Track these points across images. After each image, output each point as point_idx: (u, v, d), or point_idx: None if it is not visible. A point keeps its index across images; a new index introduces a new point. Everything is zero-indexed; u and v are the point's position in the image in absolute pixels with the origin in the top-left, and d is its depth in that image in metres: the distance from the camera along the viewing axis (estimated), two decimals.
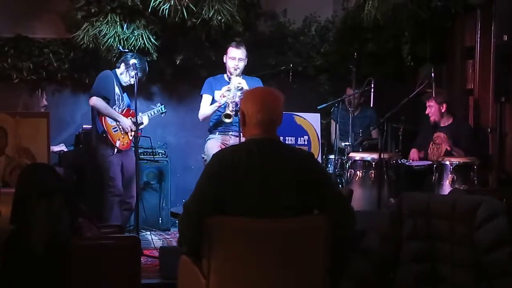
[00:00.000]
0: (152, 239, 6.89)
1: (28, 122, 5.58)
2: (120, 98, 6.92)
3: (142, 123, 6.96)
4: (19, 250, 3.94)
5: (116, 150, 6.78)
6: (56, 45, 7.84)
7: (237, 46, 6.76)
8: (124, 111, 6.93)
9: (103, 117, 6.76)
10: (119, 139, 6.80)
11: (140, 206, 6.78)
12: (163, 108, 7.29)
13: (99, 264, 4.17)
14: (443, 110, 7.14)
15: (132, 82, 6.71)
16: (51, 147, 6.49)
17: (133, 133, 6.79)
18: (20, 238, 3.95)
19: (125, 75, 6.87)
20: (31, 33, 7.84)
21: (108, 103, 6.78)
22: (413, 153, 7.31)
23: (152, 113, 7.17)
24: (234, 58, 6.70)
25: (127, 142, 6.87)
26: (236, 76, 6.65)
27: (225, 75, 6.83)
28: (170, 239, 7.17)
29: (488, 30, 7.11)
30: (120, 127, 6.82)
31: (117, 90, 6.88)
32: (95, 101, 6.75)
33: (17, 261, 3.94)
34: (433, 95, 6.98)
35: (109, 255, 4.22)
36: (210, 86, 6.83)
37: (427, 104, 7.20)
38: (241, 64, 6.72)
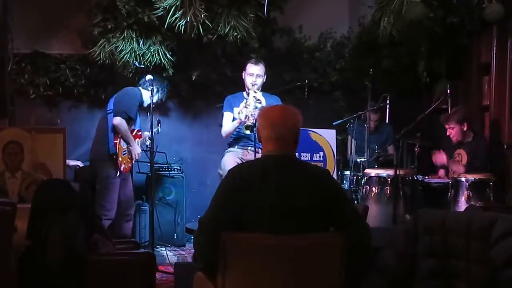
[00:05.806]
0: (167, 255, 6.89)
1: (44, 138, 5.57)
2: (137, 118, 6.94)
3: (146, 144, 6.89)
4: (35, 266, 3.95)
5: (119, 173, 6.74)
6: (73, 61, 7.88)
7: (256, 63, 6.77)
8: (134, 132, 6.90)
9: (119, 139, 6.71)
10: (124, 163, 6.78)
11: (156, 222, 6.78)
12: (159, 130, 7.15)
13: (115, 280, 4.17)
14: (465, 129, 6.99)
15: (149, 103, 6.72)
16: (67, 161, 6.50)
17: (134, 160, 6.87)
18: (36, 254, 3.96)
19: (149, 97, 6.64)
20: (48, 49, 7.88)
21: (130, 123, 6.76)
22: (438, 155, 7.23)
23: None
24: (252, 75, 6.71)
25: (129, 166, 6.89)
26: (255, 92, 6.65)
27: (244, 93, 6.82)
28: (185, 255, 7.18)
29: (504, 46, 7.10)
30: (129, 150, 6.80)
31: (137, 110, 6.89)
32: (119, 121, 6.65)
33: (33, 277, 3.95)
34: (451, 117, 6.92)
35: (124, 271, 4.23)
36: (230, 104, 6.83)
37: (447, 127, 7.04)
38: (259, 81, 6.72)
